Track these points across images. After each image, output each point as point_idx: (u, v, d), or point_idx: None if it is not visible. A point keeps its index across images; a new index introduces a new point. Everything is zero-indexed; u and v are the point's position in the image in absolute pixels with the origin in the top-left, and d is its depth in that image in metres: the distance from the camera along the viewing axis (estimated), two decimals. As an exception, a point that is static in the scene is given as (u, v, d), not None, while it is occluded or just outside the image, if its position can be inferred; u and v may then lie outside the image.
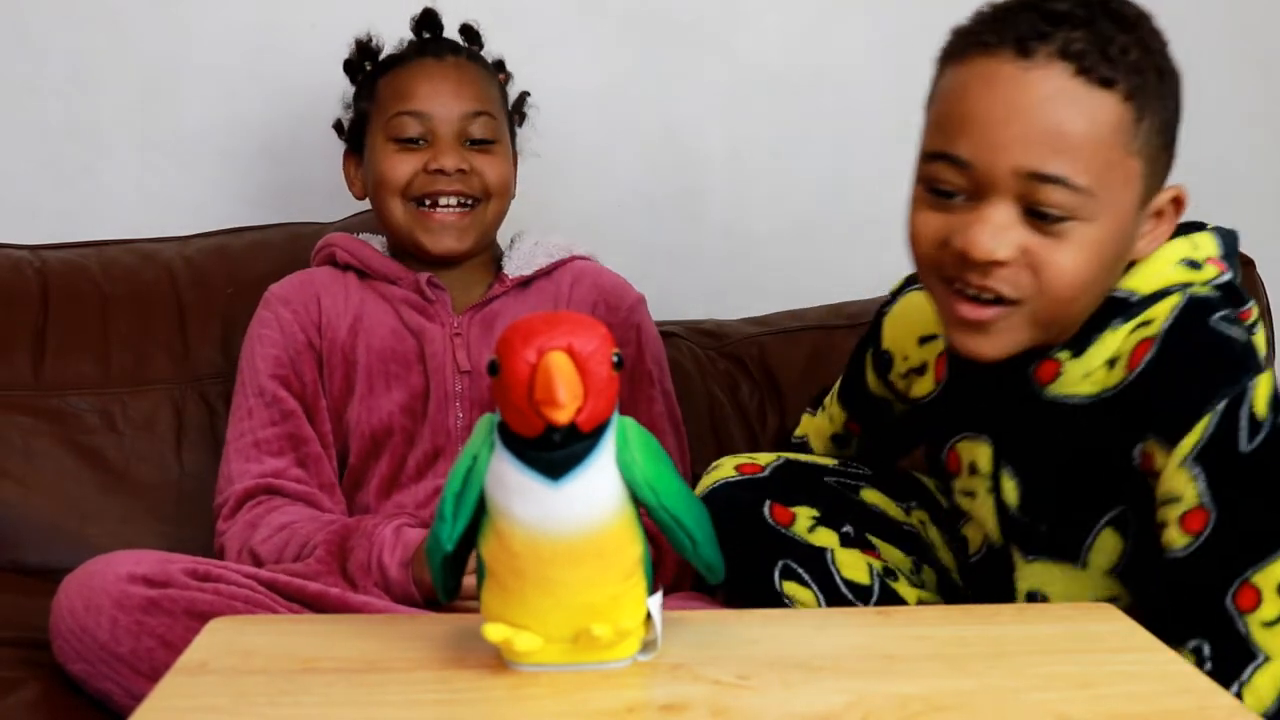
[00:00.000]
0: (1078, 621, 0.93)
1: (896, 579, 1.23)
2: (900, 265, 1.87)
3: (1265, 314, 1.78)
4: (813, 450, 1.41)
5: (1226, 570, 1.00)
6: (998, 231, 0.99)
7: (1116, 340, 1.05)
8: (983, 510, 1.16)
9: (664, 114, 1.86)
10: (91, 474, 1.56)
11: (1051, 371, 1.07)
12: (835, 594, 1.18)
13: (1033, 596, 1.14)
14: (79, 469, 1.55)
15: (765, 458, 1.28)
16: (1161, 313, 1.04)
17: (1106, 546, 1.09)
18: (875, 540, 1.24)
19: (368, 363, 1.44)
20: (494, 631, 0.80)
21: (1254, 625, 0.99)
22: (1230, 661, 0.99)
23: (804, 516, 1.23)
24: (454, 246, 1.45)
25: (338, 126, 1.56)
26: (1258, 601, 0.99)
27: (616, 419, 0.80)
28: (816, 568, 1.19)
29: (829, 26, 1.88)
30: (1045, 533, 1.12)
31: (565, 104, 1.76)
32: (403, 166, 1.44)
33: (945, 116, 1.03)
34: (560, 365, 0.75)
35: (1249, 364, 1.02)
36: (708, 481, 1.26)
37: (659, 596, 0.84)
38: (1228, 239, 1.13)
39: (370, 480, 1.42)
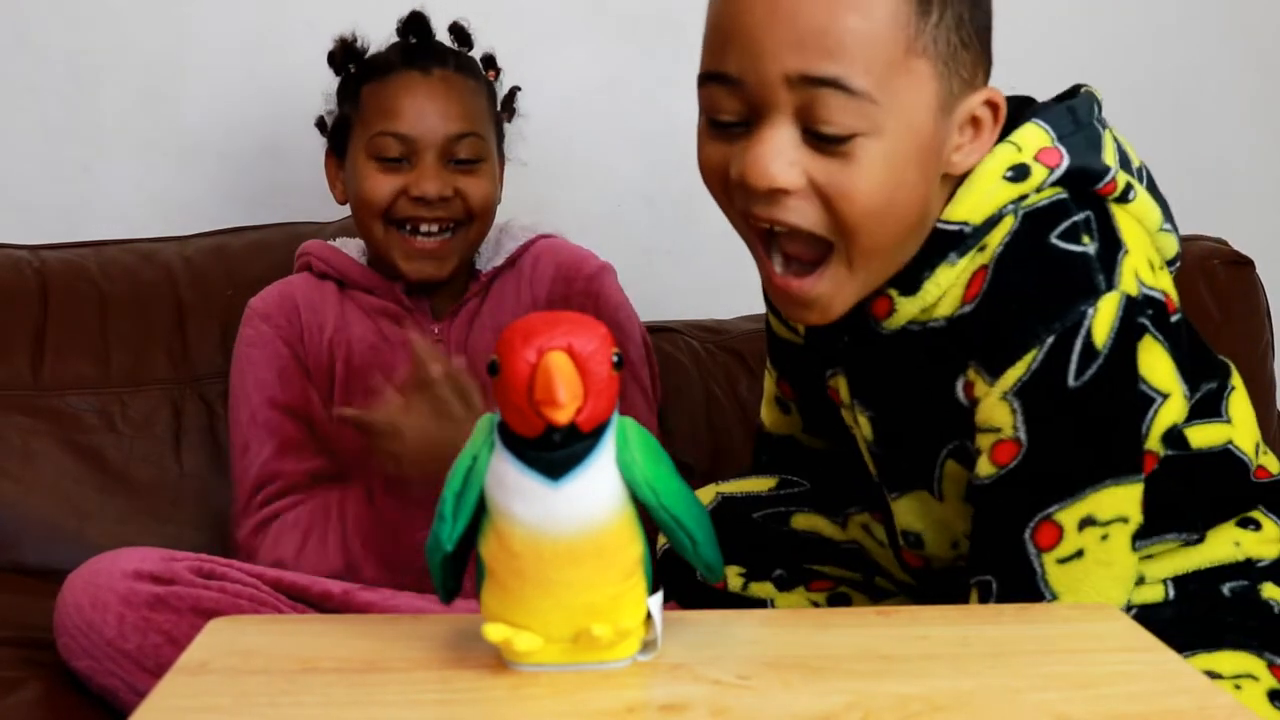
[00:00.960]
0: (1078, 621, 0.93)
1: (849, 603, 1.21)
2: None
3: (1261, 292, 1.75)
4: (767, 432, 1.32)
5: (1029, 505, 0.95)
6: (776, 154, 0.91)
7: (952, 275, 0.98)
8: (860, 441, 1.11)
9: (664, 114, 1.86)
10: (90, 474, 1.56)
11: (885, 308, 1.00)
12: None
13: (907, 536, 1.09)
14: (78, 469, 1.55)
15: (702, 498, 1.25)
16: (996, 239, 0.97)
17: (955, 477, 1.03)
18: (817, 567, 1.22)
19: (345, 377, 1.43)
20: (494, 631, 0.80)
21: (1049, 563, 0.95)
22: (1014, 601, 0.96)
23: (733, 575, 1.22)
24: (433, 274, 1.44)
25: (320, 124, 1.52)
26: (1058, 539, 0.95)
27: (616, 419, 0.80)
28: None
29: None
30: (902, 464, 1.06)
31: (565, 104, 1.76)
32: (384, 188, 1.40)
33: (712, 34, 0.94)
34: (560, 365, 0.75)
35: (1090, 287, 0.94)
36: None
37: (659, 596, 0.84)
38: (1060, 115, 1.01)
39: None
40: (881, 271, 0.98)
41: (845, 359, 1.07)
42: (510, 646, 0.80)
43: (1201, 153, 1.94)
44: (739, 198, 0.96)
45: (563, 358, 0.75)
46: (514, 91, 1.55)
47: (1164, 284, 1.02)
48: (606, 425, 0.79)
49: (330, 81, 1.54)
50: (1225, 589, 1.06)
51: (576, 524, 0.78)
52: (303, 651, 0.86)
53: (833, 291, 0.97)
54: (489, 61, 1.52)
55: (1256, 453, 1.11)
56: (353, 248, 1.51)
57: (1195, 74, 1.96)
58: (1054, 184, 0.99)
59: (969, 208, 0.97)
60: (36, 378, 1.58)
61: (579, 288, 1.47)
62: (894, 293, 1.00)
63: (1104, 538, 0.96)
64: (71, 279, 1.64)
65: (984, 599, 0.98)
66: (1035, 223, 0.97)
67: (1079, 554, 0.95)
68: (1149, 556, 1.06)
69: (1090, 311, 0.93)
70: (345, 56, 1.48)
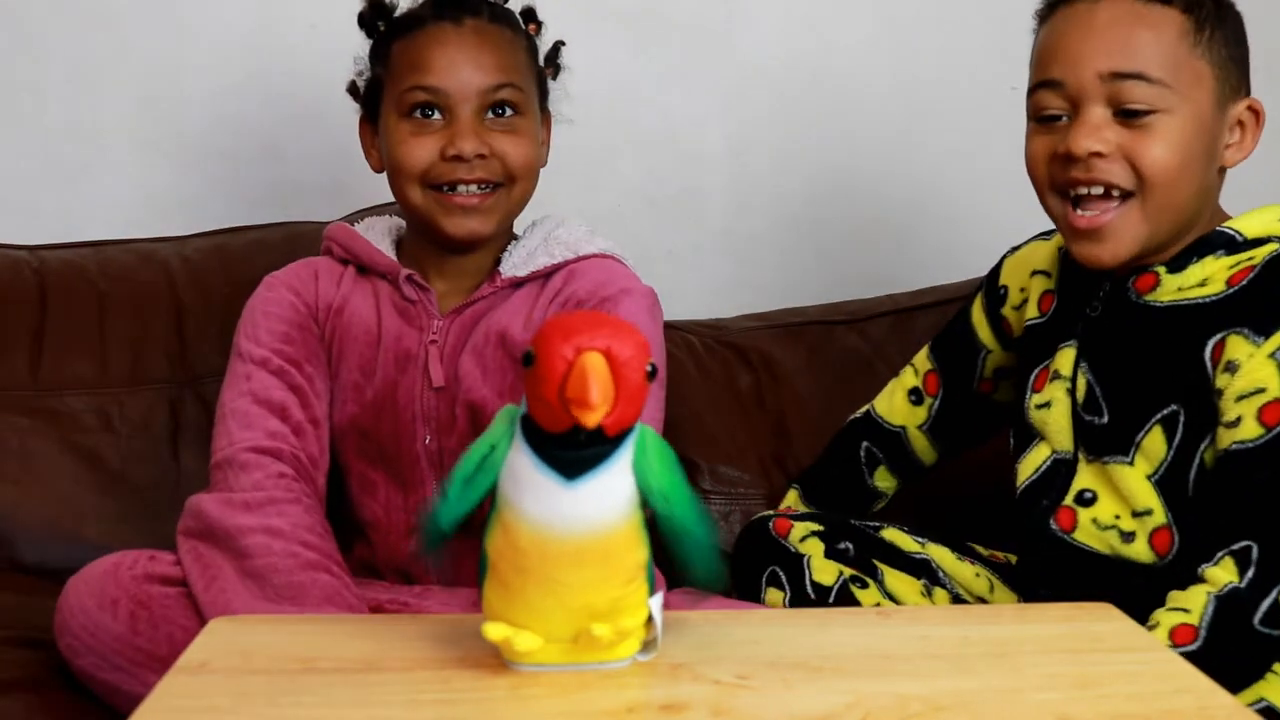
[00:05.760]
0: (1078, 621, 0.93)
1: (865, 587, 1.33)
2: (899, 266, 1.88)
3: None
4: (881, 418, 1.50)
5: None
6: (1093, 130, 1.18)
7: (1216, 266, 1.20)
8: (1058, 418, 1.27)
9: (664, 114, 1.86)
10: (88, 474, 1.55)
11: (1149, 283, 1.22)
12: (801, 592, 1.32)
13: (1082, 494, 1.24)
14: (76, 469, 1.55)
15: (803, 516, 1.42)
16: (1262, 252, 1.20)
17: (1153, 446, 1.20)
18: (881, 565, 1.36)
19: (339, 368, 1.36)
20: (494, 631, 0.80)
21: None
22: (1276, 567, 1.08)
23: (801, 529, 1.36)
24: (477, 229, 1.34)
25: (352, 89, 1.43)
26: None
27: (638, 426, 0.80)
28: (794, 571, 1.33)
29: (829, 26, 1.88)
30: (1103, 427, 1.23)
31: (564, 104, 1.76)
32: (418, 152, 1.32)
33: (1040, 57, 1.24)
34: (596, 367, 0.75)
35: None
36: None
37: (659, 597, 0.84)
38: None
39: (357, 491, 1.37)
40: (1163, 233, 1.20)
41: (1084, 330, 1.27)
42: (510, 646, 0.80)
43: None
44: (1059, 170, 1.21)
45: (599, 359, 0.75)
46: (558, 46, 1.45)
47: None
48: (629, 431, 0.79)
49: (335, 81, 1.53)
50: None
51: (585, 525, 0.78)
52: (303, 651, 0.86)
53: (1123, 228, 1.19)
54: (529, 15, 1.44)
55: None
56: (379, 230, 1.42)
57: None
58: None
59: (1246, 224, 1.22)
60: (35, 378, 1.58)
61: (593, 305, 1.35)
62: (1161, 270, 1.22)
63: None
64: (70, 279, 1.63)
65: (1242, 568, 1.09)
66: None
67: None
68: None
69: None
70: (375, 15, 1.40)
